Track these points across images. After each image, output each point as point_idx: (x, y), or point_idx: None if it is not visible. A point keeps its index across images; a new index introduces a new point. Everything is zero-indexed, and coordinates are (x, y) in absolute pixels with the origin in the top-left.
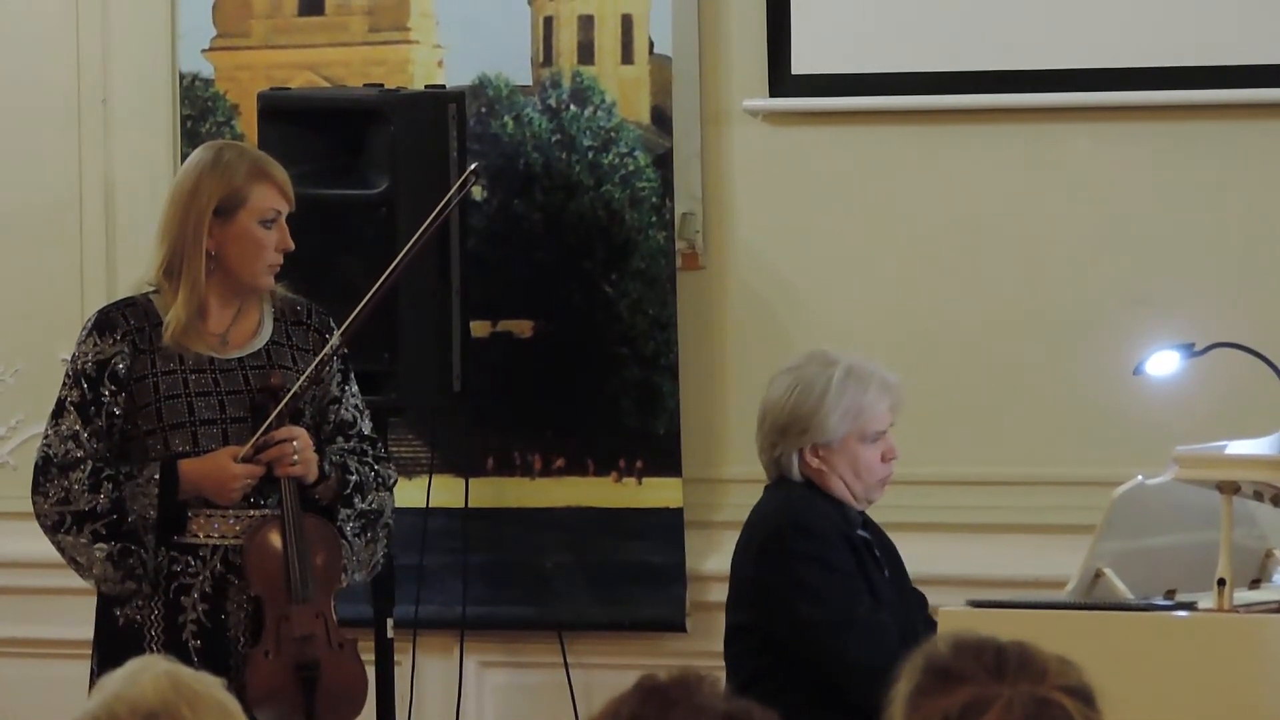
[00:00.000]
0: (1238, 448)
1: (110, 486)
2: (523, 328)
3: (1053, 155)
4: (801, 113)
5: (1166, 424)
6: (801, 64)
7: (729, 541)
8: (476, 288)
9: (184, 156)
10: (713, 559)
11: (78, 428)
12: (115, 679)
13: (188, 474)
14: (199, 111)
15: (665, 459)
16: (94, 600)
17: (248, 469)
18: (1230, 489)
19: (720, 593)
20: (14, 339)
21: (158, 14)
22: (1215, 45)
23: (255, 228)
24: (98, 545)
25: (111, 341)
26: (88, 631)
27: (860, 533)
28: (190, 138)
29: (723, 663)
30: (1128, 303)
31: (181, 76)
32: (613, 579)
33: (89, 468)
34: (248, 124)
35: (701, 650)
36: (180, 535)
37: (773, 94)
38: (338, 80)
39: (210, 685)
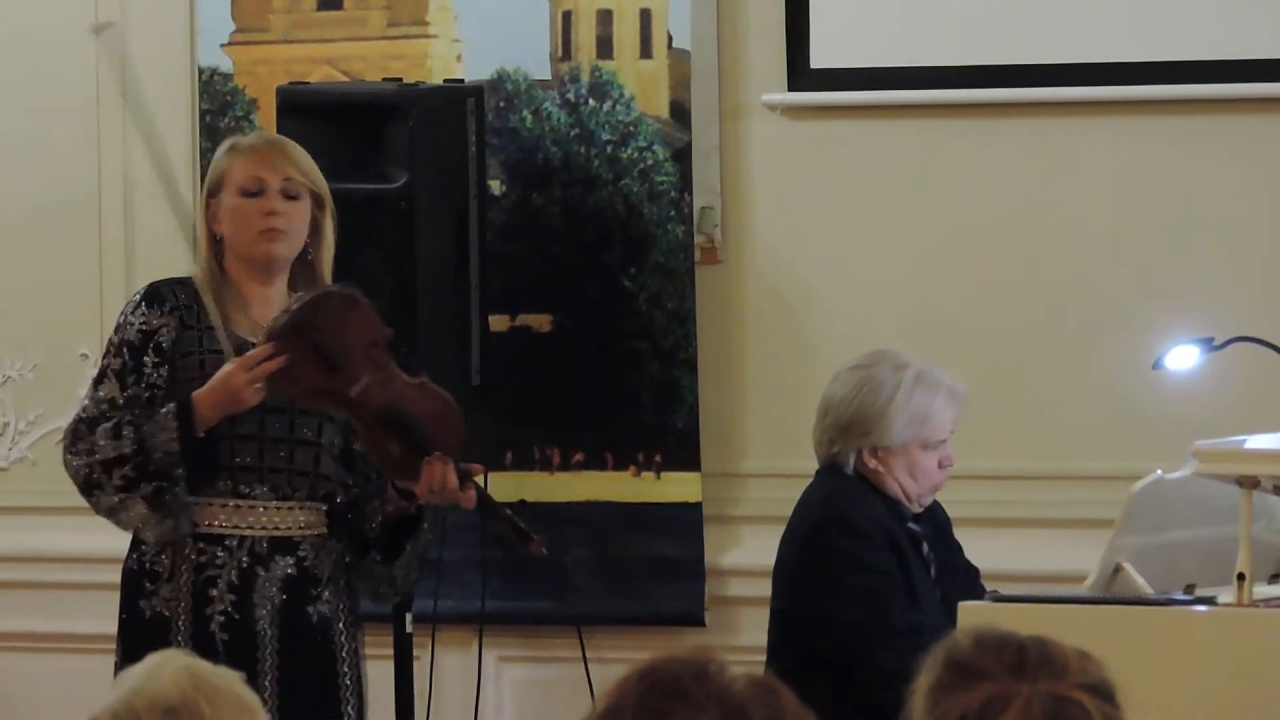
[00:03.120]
0: (1257, 442)
1: (131, 429)
2: (541, 322)
3: (1072, 150)
4: (820, 107)
5: (1186, 418)
6: (820, 58)
7: (748, 536)
8: (495, 282)
9: (203, 152)
10: (732, 553)
11: (115, 393)
12: (134, 674)
13: (200, 397)
14: (218, 106)
15: (684, 453)
16: (115, 595)
17: (256, 369)
18: (1250, 483)
19: (739, 587)
20: (33, 335)
21: (177, 9)
22: (1236, 39)
23: (235, 199)
24: (130, 491)
25: (159, 314)
26: (109, 626)
27: (911, 526)
28: (209, 132)
29: (741, 657)
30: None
31: (200, 71)
32: (631, 573)
33: (113, 421)
34: (266, 119)
35: (720, 645)
36: (212, 503)
37: (791, 88)
38: (356, 74)
39: (229, 680)
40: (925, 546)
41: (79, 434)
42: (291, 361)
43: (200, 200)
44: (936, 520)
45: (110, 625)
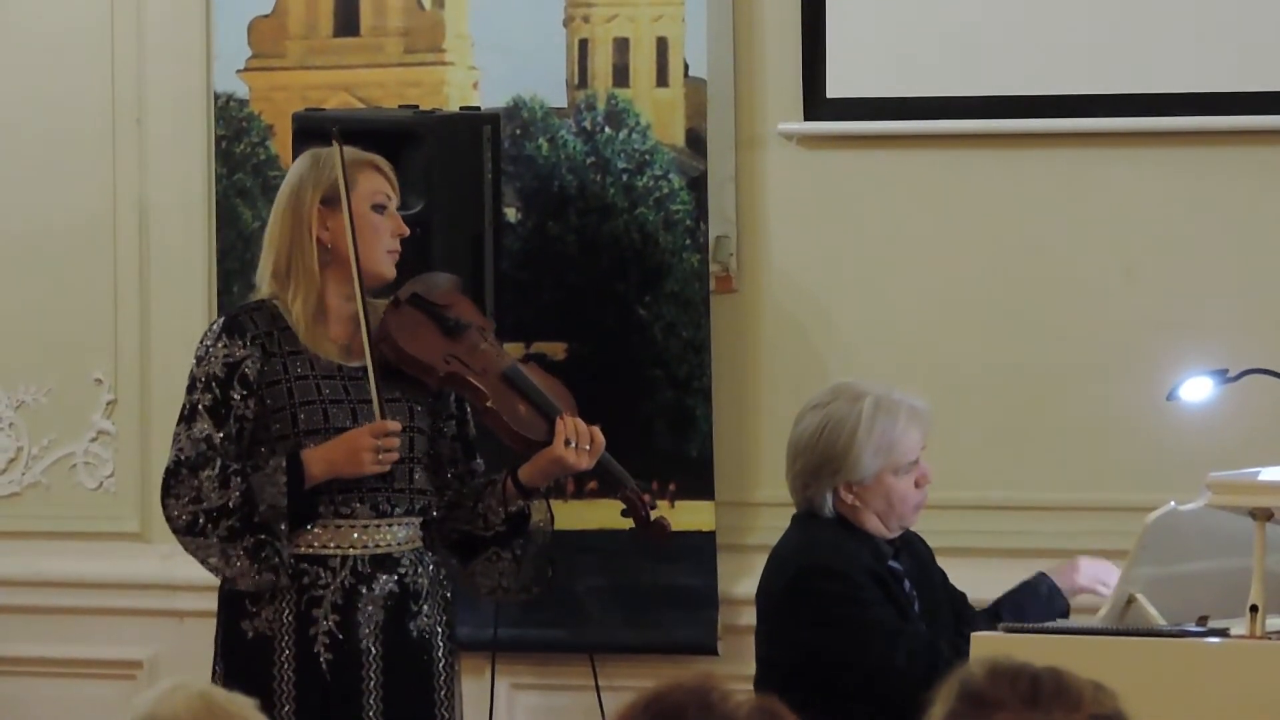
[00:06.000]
0: (1271, 474)
1: (239, 480)
2: (556, 350)
3: (1087, 180)
4: (836, 136)
5: (1199, 450)
6: (836, 88)
7: (762, 565)
8: (510, 310)
9: (218, 177)
10: (745, 582)
11: (210, 430)
12: (147, 698)
13: (313, 455)
14: (234, 132)
15: (698, 482)
16: (123, 619)
17: (383, 439)
18: (1263, 515)
19: (752, 616)
20: (46, 359)
21: (193, 34)
22: (1251, 71)
23: (368, 212)
24: (233, 541)
25: (242, 345)
26: (120, 651)
27: (891, 564)
28: (225, 158)
29: (753, 686)
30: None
31: (216, 97)
32: (645, 602)
33: (218, 465)
34: (282, 144)
35: (733, 673)
36: (313, 525)
37: (807, 117)
38: (373, 101)
39: (243, 706)
40: (907, 584)
41: (179, 476)
42: (414, 329)
43: (292, 210)
44: (917, 554)
45: (118, 650)
